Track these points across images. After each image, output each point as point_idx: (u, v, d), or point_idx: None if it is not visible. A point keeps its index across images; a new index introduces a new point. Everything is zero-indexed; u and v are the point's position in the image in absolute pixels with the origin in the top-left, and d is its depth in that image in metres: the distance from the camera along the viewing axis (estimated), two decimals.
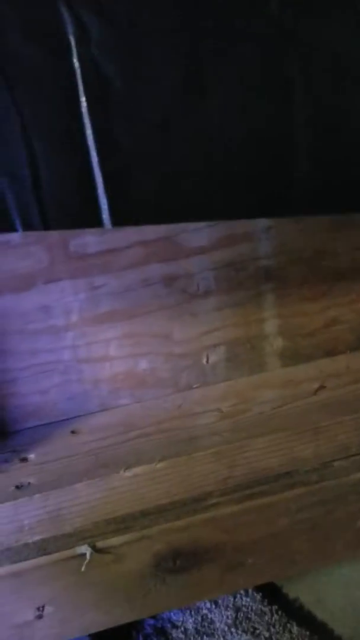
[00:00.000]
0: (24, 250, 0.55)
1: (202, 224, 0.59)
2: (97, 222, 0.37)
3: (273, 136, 0.38)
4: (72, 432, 0.60)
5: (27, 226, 0.36)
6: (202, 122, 0.38)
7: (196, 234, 0.59)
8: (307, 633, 0.67)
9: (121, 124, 0.37)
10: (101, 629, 0.58)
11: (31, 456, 0.57)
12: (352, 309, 0.66)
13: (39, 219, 0.36)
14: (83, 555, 0.54)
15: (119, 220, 0.38)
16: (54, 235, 0.55)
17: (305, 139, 0.38)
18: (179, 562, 0.56)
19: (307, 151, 0.39)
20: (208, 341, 0.64)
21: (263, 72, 0.37)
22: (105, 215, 0.37)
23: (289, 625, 0.69)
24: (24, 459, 0.57)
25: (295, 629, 0.68)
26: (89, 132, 0.37)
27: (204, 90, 0.37)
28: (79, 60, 0.35)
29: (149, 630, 0.71)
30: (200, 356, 0.64)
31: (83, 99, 0.36)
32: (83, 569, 0.53)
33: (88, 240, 0.56)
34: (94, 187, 0.37)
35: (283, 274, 0.63)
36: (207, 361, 0.65)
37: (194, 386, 0.65)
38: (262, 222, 0.60)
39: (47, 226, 0.36)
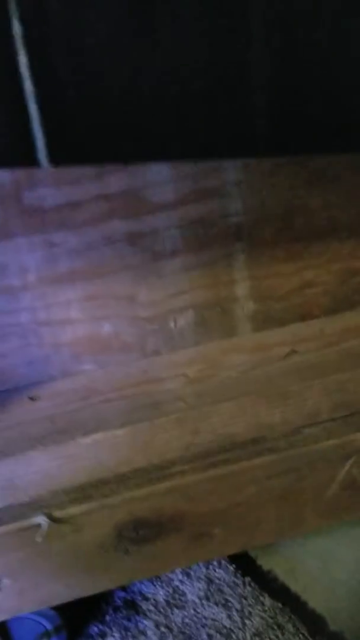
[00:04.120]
0: None
1: (167, 177, 0.55)
2: (31, 161, 0.34)
3: (229, 66, 0.35)
4: (30, 398, 0.57)
5: None
6: (150, 49, 0.34)
7: (161, 187, 0.55)
8: (280, 605, 0.66)
9: (59, 49, 0.33)
10: (61, 601, 0.56)
11: None
12: (328, 270, 0.63)
13: None
14: (39, 525, 0.51)
15: (57, 159, 0.34)
16: (6, 187, 0.51)
17: (263, 70, 0.35)
18: (141, 532, 0.54)
19: (265, 84, 0.35)
20: (175, 304, 0.61)
21: None
22: (42, 152, 0.34)
23: (261, 597, 0.67)
24: None
25: (267, 601, 0.67)
26: (22, 58, 0.33)
27: (153, 14, 0.33)
28: None
29: (118, 602, 0.69)
30: (167, 320, 0.61)
31: (15, 21, 0.32)
32: (39, 539, 0.51)
33: (43, 192, 0.53)
34: (27, 121, 0.33)
35: (255, 233, 0.60)
36: (175, 325, 0.62)
37: (161, 351, 0.62)
38: (232, 176, 0.57)
39: None
